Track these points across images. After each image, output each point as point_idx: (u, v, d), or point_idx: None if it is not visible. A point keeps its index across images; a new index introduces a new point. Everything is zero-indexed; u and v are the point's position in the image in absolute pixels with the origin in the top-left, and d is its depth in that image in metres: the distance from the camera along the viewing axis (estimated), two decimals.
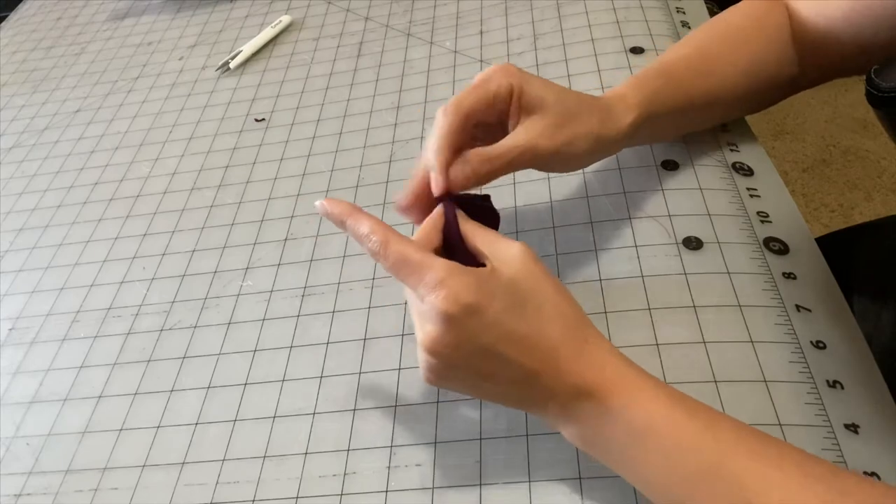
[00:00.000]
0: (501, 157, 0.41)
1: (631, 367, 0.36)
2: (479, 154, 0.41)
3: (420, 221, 0.41)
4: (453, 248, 0.40)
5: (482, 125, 0.43)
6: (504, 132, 0.43)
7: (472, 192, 0.42)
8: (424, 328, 0.35)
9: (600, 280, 0.48)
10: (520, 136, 0.42)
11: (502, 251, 0.37)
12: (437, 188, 0.40)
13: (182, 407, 0.49)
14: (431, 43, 0.75)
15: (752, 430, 0.33)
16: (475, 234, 0.39)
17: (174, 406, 0.50)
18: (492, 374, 0.36)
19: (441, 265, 0.35)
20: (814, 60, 0.52)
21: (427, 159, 0.41)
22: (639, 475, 0.35)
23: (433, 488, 0.41)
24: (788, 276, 0.46)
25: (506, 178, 0.57)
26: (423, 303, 0.35)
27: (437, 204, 0.41)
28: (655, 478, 0.34)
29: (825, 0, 0.49)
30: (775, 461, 0.31)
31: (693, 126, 0.54)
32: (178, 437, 0.48)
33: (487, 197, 0.43)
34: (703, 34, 0.53)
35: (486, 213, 0.42)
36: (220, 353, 0.52)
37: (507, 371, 0.36)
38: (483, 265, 0.37)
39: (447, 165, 0.40)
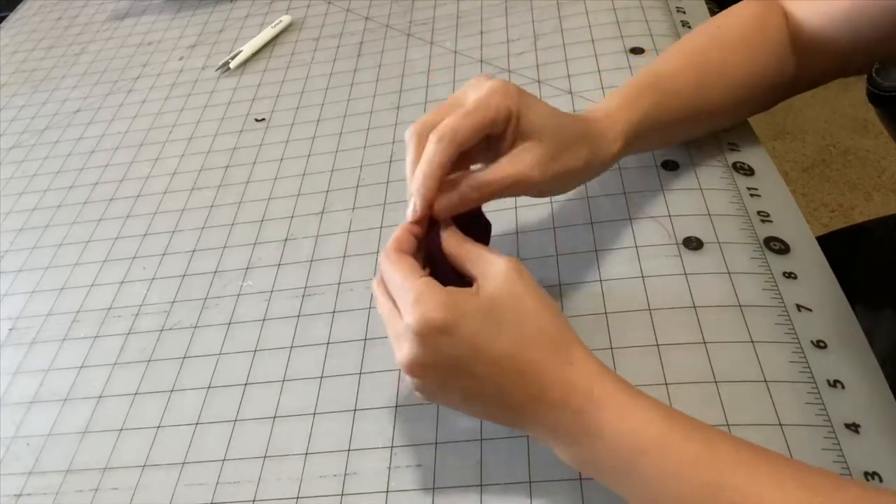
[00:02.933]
0: (492, 185, 0.40)
1: (620, 387, 0.35)
2: (469, 182, 0.39)
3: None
4: (437, 262, 0.40)
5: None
6: (491, 149, 0.41)
7: None
8: (402, 348, 0.36)
9: (600, 280, 0.48)
10: (513, 165, 0.40)
11: (488, 268, 0.37)
12: (412, 216, 0.39)
13: (182, 407, 0.49)
14: (431, 43, 0.75)
15: (749, 446, 0.33)
16: (461, 251, 0.38)
17: (174, 406, 0.50)
18: (475, 393, 0.36)
19: (416, 286, 0.35)
20: (812, 61, 0.51)
21: (413, 185, 0.39)
22: (635, 495, 0.34)
23: (433, 489, 0.41)
24: (789, 275, 0.46)
25: None
26: (401, 323, 0.36)
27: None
28: (653, 498, 0.33)
29: (823, 0, 0.49)
30: (775, 478, 0.31)
31: (692, 134, 0.54)
32: (179, 437, 0.48)
33: (478, 209, 0.42)
34: (702, 39, 0.51)
35: (477, 225, 0.42)
36: (220, 353, 0.52)
37: (487, 391, 0.36)
38: (470, 283, 0.37)
39: (431, 196, 0.38)
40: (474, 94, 0.39)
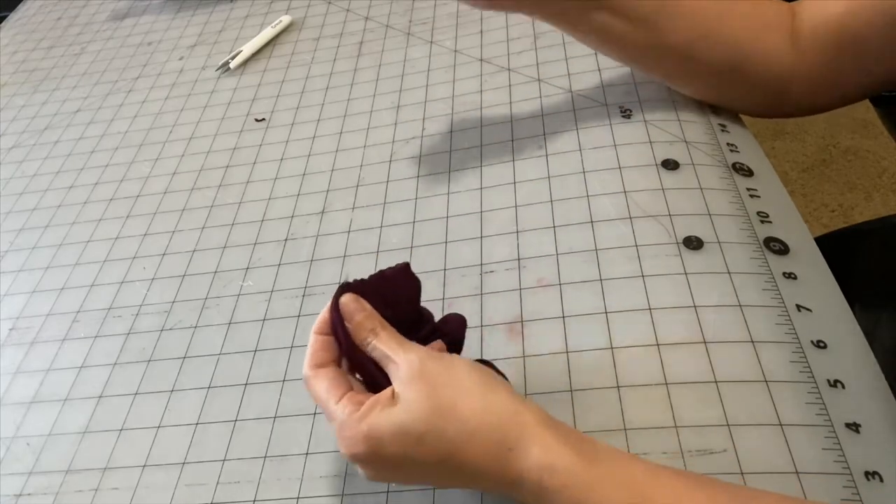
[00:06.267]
0: None
1: (573, 465, 0.33)
2: None
3: None
4: (352, 354, 0.37)
5: None
6: None
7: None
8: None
9: (601, 280, 0.48)
10: None
11: (396, 371, 0.35)
12: None
13: (182, 407, 0.49)
14: (431, 42, 0.75)
15: (725, 492, 0.32)
16: (374, 346, 0.36)
17: (174, 406, 0.50)
18: (435, 483, 0.37)
19: (336, 413, 0.35)
20: (809, 61, 0.51)
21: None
22: None
23: (433, 489, 0.41)
24: (789, 275, 0.46)
25: (505, 178, 0.57)
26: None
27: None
28: None
29: (826, 1, 0.49)
30: None
31: (666, 59, 0.53)
32: (179, 437, 0.48)
33: (405, 266, 0.38)
34: None
35: (400, 285, 0.38)
36: (220, 353, 0.52)
37: (443, 484, 0.37)
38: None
39: None
40: None
